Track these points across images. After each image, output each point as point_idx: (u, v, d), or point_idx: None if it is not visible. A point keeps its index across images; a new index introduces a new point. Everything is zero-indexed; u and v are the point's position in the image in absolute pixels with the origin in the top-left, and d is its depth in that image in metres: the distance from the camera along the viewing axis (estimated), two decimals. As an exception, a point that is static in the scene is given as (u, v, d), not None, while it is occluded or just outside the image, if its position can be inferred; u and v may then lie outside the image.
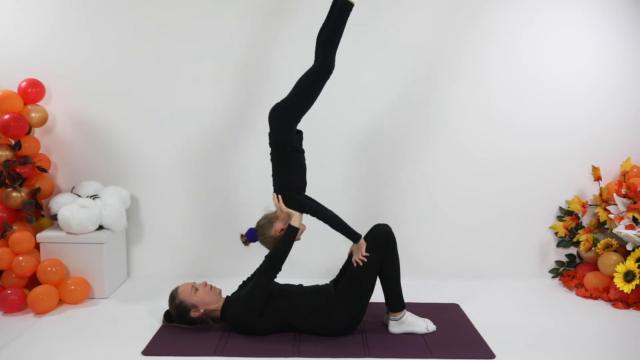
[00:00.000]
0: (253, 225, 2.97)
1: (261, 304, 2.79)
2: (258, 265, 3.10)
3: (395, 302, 2.87)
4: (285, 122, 2.88)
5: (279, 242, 2.84)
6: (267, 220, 2.92)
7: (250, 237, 2.96)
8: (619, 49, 3.69)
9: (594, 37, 3.68)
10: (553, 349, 2.76)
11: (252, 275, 3.08)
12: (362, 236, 2.89)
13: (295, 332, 2.87)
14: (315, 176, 3.30)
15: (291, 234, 2.84)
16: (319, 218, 2.89)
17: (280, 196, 2.90)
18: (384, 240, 2.83)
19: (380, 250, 2.81)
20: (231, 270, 3.69)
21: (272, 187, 2.96)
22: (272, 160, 2.93)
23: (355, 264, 2.83)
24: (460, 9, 3.63)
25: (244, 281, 3.08)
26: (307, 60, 3.62)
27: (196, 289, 2.88)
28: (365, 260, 2.81)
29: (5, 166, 3.34)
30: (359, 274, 2.82)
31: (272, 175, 2.95)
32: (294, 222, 2.85)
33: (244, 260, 3.71)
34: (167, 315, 2.98)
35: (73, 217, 3.28)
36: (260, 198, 3.71)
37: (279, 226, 2.89)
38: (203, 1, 3.60)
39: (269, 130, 2.92)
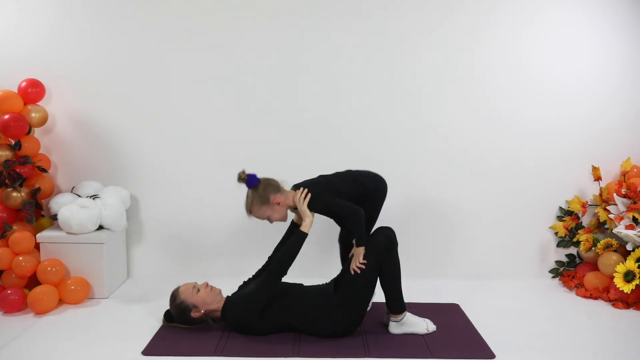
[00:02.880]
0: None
1: (263, 305, 2.79)
2: (259, 267, 3.10)
3: (396, 304, 2.86)
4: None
5: (287, 246, 2.82)
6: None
7: (251, 181, 2.81)
8: (618, 49, 3.69)
9: (594, 37, 3.68)
10: (553, 349, 2.76)
11: (253, 276, 3.08)
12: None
13: (295, 332, 2.86)
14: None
15: (300, 239, 2.81)
16: (343, 214, 2.82)
17: (305, 191, 2.83)
18: (385, 244, 2.81)
19: (381, 254, 2.80)
20: (231, 270, 3.69)
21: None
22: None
23: (352, 272, 2.79)
24: (459, 9, 3.63)
25: (244, 282, 3.08)
26: (307, 60, 3.64)
27: (197, 290, 2.88)
28: (363, 267, 2.77)
29: (5, 166, 3.34)
30: (359, 277, 2.80)
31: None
32: (304, 227, 2.83)
33: (244, 260, 3.73)
34: (167, 315, 2.98)
35: (73, 217, 3.28)
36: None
37: (279, 199, 2.82)
38: (204, 2, 3.60)
39: None
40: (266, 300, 2.79)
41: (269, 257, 3.06)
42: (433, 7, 3.62)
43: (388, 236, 2.84)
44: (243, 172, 2.84)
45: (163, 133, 3.71)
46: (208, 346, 2.73)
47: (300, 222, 2.95)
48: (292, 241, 2.82)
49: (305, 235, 2.82)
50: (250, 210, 2.88)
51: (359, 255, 2.79)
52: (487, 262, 3.80)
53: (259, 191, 2.82)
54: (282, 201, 2.85)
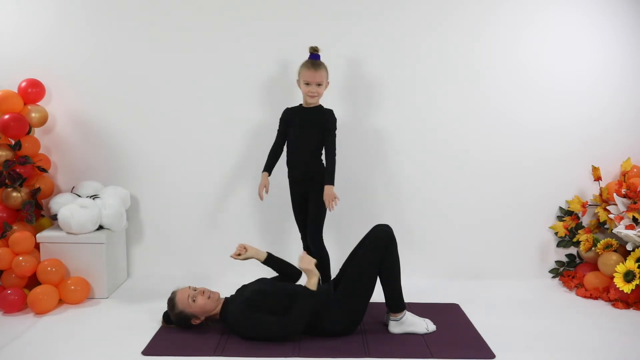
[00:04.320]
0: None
1: (261, 337, 2.76)
2: (257, 275, 3.09)
3: (396, 302, 2.87)
4: None
5: (298, 307, 2.73)
6: None
7: (318, 57, 3.14)
8: (618, 49, 3.69)
9: (594, 37, 3.68)
10: (553, 349, 2.76)
11: (253, 282, 3.04)
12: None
13: (295, 332, 2.86)
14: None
15: (313, 297, 2.75)
16: (333, 144, 3.10)
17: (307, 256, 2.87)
18: (384, 240, 2.82)
19: (380, 251, 2.81)
20: (231, 270, 3.69)
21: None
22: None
23: (331, 209, 3.03)
24: (459, 9, 3.63)
25: (243, 285, 3.04)
26: (307, 54, 3.64)
27: (194, 299, 2.82)
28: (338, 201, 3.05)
29: (5, 166, 3.34)
30: (358, 275, 2.81)
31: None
32: (312, 286, 2.77)
33: (244, 260, 3.72)
34: (166, 317, 2.96)
35: (73, 217, 3.28)
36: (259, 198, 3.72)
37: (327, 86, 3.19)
38: (202, 2, 3.60)
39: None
40: (266, 337, 2.76)
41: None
42: (433, 7, 3.62)
43: (387, 233, 2.84)
44: (318, 48, 3.17)
45: (163, 133, 3.71)
46: (208, 346, 2.73)
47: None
48: (302, 302, 2.73)
49: (314, 293, 2.75)
50: (323, 65, 3.13)
51: (333, 193, 3.04)
52: (487, 262, 3.80)
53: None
54: (326, 89, 3.17)
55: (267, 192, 3.24)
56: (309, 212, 3.19)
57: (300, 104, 3.24)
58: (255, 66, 3.66)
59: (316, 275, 2.80)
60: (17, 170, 3.38)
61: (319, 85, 3.10)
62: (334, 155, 3.11)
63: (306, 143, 3.16)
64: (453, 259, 3.79)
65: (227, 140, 3.72)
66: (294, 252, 3.70)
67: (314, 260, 2.85)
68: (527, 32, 3.66)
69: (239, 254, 3.03)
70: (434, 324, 2.94)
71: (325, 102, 3.64)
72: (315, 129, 3.14)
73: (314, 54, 3.15)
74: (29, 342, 2.79)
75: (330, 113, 3.17)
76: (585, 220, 3.79)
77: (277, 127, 3.29)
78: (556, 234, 3.80)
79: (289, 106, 3.29)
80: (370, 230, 2.92)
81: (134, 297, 3.41)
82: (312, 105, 3.18)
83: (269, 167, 3.28)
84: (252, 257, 3.05)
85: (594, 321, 3.10)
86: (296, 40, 3.62)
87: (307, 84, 3.10)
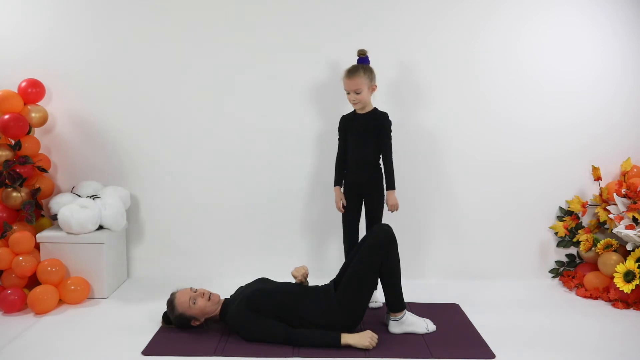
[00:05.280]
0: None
1: (255, 339, 2.76)
2: (258, 274, 3.08)
3: (396, 302, 2.87)
4: None
5: (316, 338, 2.71)
6: None
7: (367, 60, 3.13)
8: (618, 49, 3.69)
9: (594, 36, 3.68)
10: (553, 349, 2.76)
11: (253, 282, 3.05)
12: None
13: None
14: (319, 178, 3.31)
15: (331, 340, 2.69)
16: (390, 148, 3.14)
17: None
18: (385, 240, 2.82)
19: (380, 251, 2.81)
20: (231, 270, 3.69)
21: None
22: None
23: (393, 211, 3.14)
24: (459, 9, 3.63)
25: (243, 285, 3.05)
26: (307, 64, 3.64)
27: (194, 301, 2.82)
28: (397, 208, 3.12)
29: (5, 166, 3.34)
30: (359, 274, 2.80)
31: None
32: (346, 339, 2.70)
33: (244, 260, 3.72)
34: (166, 317, 2.96)
35: (73, 217, 3.28)
36: (259, 198, 3.72)
37: (375, 88, 3.13)
38: (202, 3, 3.60)
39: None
40: (261, 339, 2.76)
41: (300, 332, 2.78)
42: (432, 7, 3.62)
43: (388, 232, 2.84)
44: (366, 50, 3.16)
45: (163, 133, 3.71)
46: (208, 346, 2.73)
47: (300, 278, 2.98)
48: (324, 336, 2.71)
49: (339, 343, 2.69)
50: (360, 71, 3.06)
51: (396, 201, 3.16)
52: (487, 262, 3.80)
53: (371, 69, 3.11)
54: (373, 92, 3.13)
55: (344, 204, 3.24)
56: (369, 212, 3.23)
57: (354, 110, 3.23)
58: (255, 68, 3.65)
59: (359, 344, 2.69)
60: (17, 170, 3.38)
61: (358, 93, 3.07)
62: (391, 158, 3.16)
63: (364, 148, 3.16)
64: (453, 259, 3.79)
65: (225, 139, 3.71)
66: (292, 252, 3.71)
67: (306, 274, 2.98)
68: (527, 31, 3.65)
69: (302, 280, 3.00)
70: (434, 324, 2.95)
71: (325, 103, 3.65)
72: (372, 133, 3.14)
73: (362, 57, 3.15)
74: (29, 342, 2.79)
75: (384, 116, 3.16)
76: (585, 220, 3.79)
77: (337, 137, 3.30)
78: (556, 234, 3.80)
79: (344, 113, 3.30)
80: (370, 230, 2.92)
81: (134, 297, 3.41)
82: (365, 111, 3.17)
83: (339, 181, 3.29)
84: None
85: (594, 321, 3.10)
86: (298, 44, 3.61)
87: (348, 92, 3.11)
